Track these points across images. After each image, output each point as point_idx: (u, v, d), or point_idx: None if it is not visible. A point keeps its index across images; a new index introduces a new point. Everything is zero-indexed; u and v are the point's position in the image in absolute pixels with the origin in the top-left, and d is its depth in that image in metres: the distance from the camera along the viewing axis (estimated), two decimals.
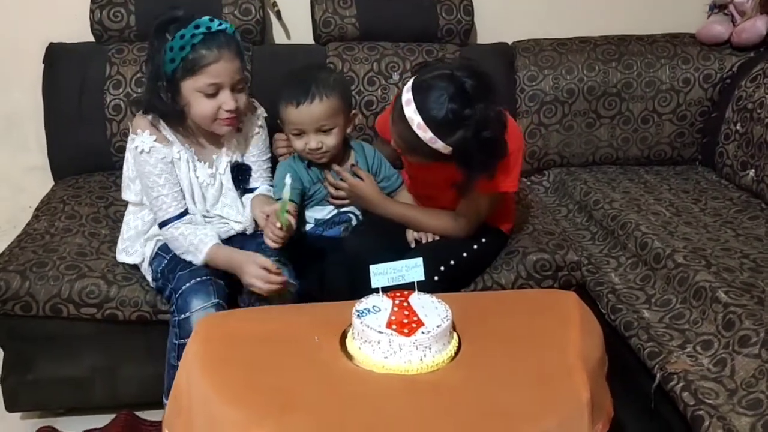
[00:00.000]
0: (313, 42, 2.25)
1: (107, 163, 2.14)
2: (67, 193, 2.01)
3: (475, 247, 1.72)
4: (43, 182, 2.19)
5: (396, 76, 2.15)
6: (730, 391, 1.32)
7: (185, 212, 1.64)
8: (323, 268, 1.69)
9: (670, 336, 1.51)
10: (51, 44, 2.14)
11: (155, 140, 1.60)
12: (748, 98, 2.14)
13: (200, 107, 1.58)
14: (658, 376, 1.42)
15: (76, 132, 2.11)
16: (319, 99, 1.62)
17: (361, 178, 1.75)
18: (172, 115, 1.60)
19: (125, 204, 1.96)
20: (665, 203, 2.02)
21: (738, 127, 2.16)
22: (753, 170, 2.08)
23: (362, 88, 2.15)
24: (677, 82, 2.26)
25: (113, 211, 1.95)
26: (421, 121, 1.45)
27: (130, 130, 1.65)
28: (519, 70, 2.25)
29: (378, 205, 1.74)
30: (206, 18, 1.55)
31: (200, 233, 1.61)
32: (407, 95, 1.48)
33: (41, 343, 1.73)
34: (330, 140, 1.67)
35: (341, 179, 1.74)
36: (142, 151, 1.60)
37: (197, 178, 1.67)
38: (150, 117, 1.62)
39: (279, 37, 2.33)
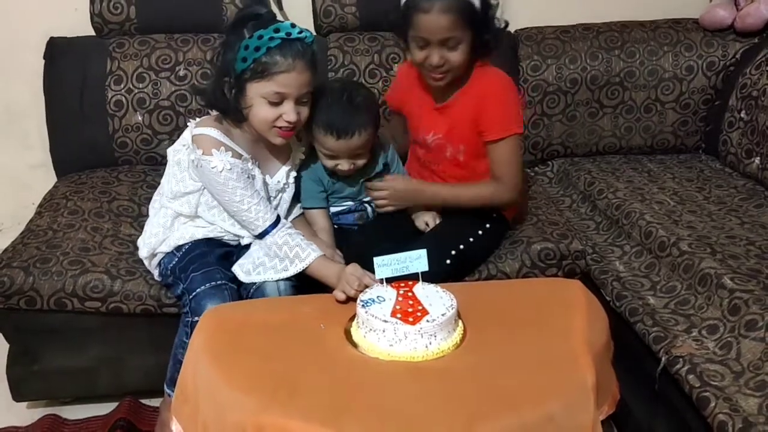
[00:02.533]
0: (314, 33, 2.24)
1: (109, 158, 2.14)
2: (69, 189, 2.02)
3: (480, 232, 1.73)
4: (46, 179, 2.19)
5: (396, 68, 2.15)
6: (736, 373, 1.32)
7: (278, 218, 1.61)
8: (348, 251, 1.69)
9: (675, 321, 1.51)
10: (51, 39, 2.13)
11: (232, 156, 1.56)
12: (752, 86, 2.13)
13: (261, 112, 1.54)
14: (663, 359, 1.41)
15: (78, 128, 2.12)
16: (359, 134, 1.61)
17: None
18: (233, 113, 1.56)
19: (129, 198, 1.98)
20: (669, 192, 2.02)
21: (743, 115, 2.15)
22: (758, 158, 2.07)
23: (364, 81, 2.14)
24: (680, 70, 2.25)
25: (116, 206, 1.95)
26: None
27: (197, 150, 1.56)
28: (522, 59, 2.24)
29: (423, 191, 1.76)
30: (288, 23, 1.50)
31: (300, 243, 1.56)
32: None
33: (46, 335, 1.74)
34: (361, 162, 1.69)
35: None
36: (222, 170, 1.54)
37: (268, 191, 1.66)
38: (214, 133, 1.56)
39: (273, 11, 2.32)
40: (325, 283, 1.51)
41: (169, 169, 1.68)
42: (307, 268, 1.54)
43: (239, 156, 1.58)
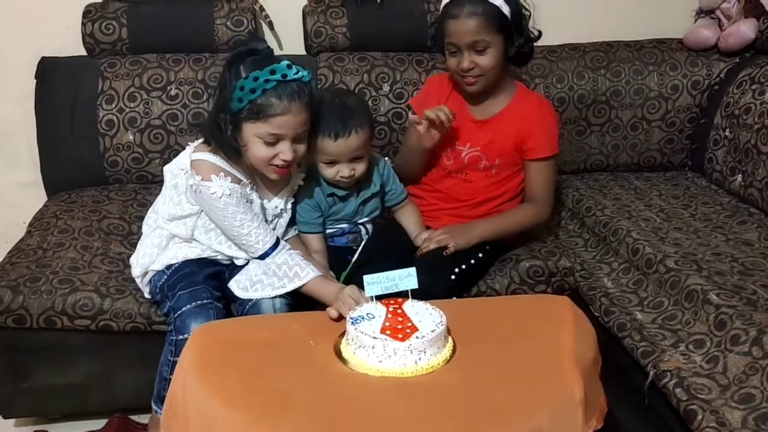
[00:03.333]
0: (304, 53, 2.28)
1: (100, 177, 2.15)
2: (59, 208, 2.02)
3: (481, 255, 1.75)
4: (36, 198, 2.19)
5: (386, 87, 2.17)
6: (722, 386, 1.33)
7: (278, 240, 1.61)
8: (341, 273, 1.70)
9: (662, 336, 1.52)
10: (43, 58, 2.15)
11: (231, 181, 1.56)
12: (735, 104, 2.17)
13: (257, 151, 1.53)
14: (651, 373, 1.43)
15: (68, 147, 2.12)
16: (356, 132, 1.62)
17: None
18: (230, 149, 1.55)
19: (119, 216, 1.98)
20: (656, 209, 2.04)
21: (727, 133, 2.19)
22: (740, 175, 2.10)
23: None
24: (665, 89, 2.29)
25: (106, 224, 1.95)
26: None
27: (195, 176, 1.56)
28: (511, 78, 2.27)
29: (472, 227, 1.76)
30: (284, 63, 1.47)
31: (299, 263, 1.56)
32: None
33: (36, 352, 1.73)
34: (361, 167, 1.69)
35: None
36: (222, 195, 1.54)
37: (265, 216, 1.66)
38: (212, 158, 1.56)
39: (271, 47, 2.33)
40: (322, 302, 1.51)
41: (166, 191, 1.68)
42: (304, 285, 1.54)
43: (238, 181, 1.58)
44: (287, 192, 1.71)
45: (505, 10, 1.66)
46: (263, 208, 1.66)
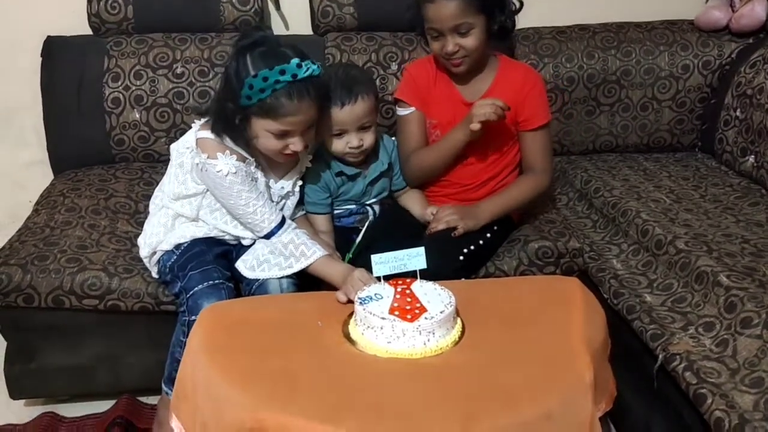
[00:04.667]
0: (311, 32, 2.25)
1: (107, 156, 2.14)
2: (66, 187, 2.01)
3: (489, 235, 1.74)
4: (43, 177, 2.19)
5: (395, 66, 2.15)
6: (732, 370, 1.33)
7: (284, 219, 1.61)
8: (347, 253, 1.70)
9: (672, 319, 1.51)
10: (49, 37, 2.13)
11: (236, 159, 1.55)
12: (747, 84, 2.14)
13: (267, 143, 1.53)
14: (660, 356, 1.42)
15: (75, 126, 2.11)
16: (361, 98, 1.63)
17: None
18: (237, 137, 1.54)
19: (126, 195, 1.98)
20: (665, 190, 2.02)
21: (738, 113, 2.16)
22: (753, 156, 2.08)
23: None
24: (676, 69, 2.26)
25: (113, 203, 1.95)
26: None
27: (201, 155, 1.56)
28: (519, 58, 2.24)
29: (478, 206, 1.75)
30: (294, 62, 1.44)
31: (305, 242, 1.56)
32: None
33: (44, 332, 1.74)
34: (369, 137, 1.69)
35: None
36: (228, 173, 1.53)
37: (270, 196, 1.65)
38: (216, 136, 1.55)
39: (277, 27, 2.32)
40: (329, 282, 1.51)
41: (171, 170, 1.67)
42: (311, 265, 1.53)
43: (243, 159, 1.57)
44: (295, 173, 1.70)
45: None
46: (268, 188, 1.65)
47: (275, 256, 1.57)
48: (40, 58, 2.11)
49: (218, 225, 1.65)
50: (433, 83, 1.79)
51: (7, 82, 2.26)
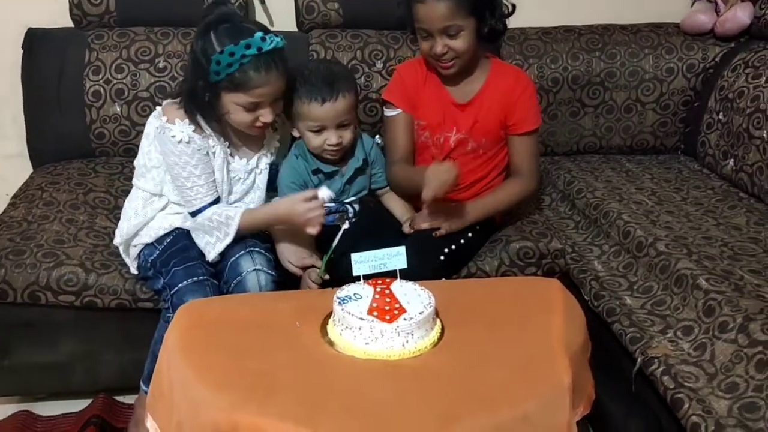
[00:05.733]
0: (296, 29, 2.23)
1: (87, 149, 2.11)
2: (45, 180, 1.99)
3: (470, 234, 1.73)
4: (21, 170, 2.16)
5: (380, 64, 2.14)
6: (709, 375, 1.33)
7: (218, 199, 1.62)
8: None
9: (651, 322, 1.52)
10: (30, 29, 2.10)
11: (193, 130, 1.56)
12: (729, 88, 2.15)
13: (238, 117, 1.55)
14: (639, 360, 1.42)
15: (55, 119, 2.09)
16: (342, 96, 1.63)
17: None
18: (209, 114, 1.56)
19: (105, 190, 1.96)
20: (647, 192, 2.03)
21: (720, 117, 2.18)
22: (732, 159, 2.09)
23: None
24: (660, 72, 2.27)
25: (92, 198, 1.92)
26: None
27: (161, 118, 1.59)
28: (504, 58, 2.24)
29: (463, 212, 1.70)
30: (258, 35, 1.47)
31: (225, 208, 1.60)
32: None
33: (19, 329, 1.71)
34: (348, 135, 1.68)
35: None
36: (180, 141, 1.55)
37: (229, 172, 1.65)
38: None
39: (261, 23, 2.29)
40: (279, 222, 1.60)
41: (141, 143, 1.68)
42: (240, 223, 1.57)
43: (201, 131, 1.58)
44: (261, 151, 1.70)
45: None
46: (227, 164, 1.64)
47: (211, 234, 1.59)
48: (21, 51, 2.08)
49: (180, 201, 1.65)
50: (422, 84, 1.77)
51: None
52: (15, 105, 2.14)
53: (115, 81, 2.06)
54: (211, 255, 1.59)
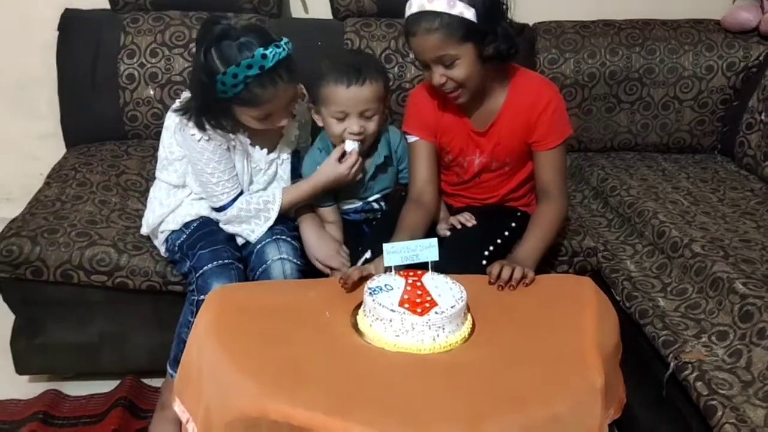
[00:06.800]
0: (331, 17, 2.22)
1: (119, 131, 2.13)
2: (78, 161, 2.01)
3: (507, 233, 1.68)
4: (55, 150, 2.18)
5: (410, 95, 2.10)
6: (744, 382, 1.30)
7: (241, 192, 1.63)
8: (358, 244, 1.67)
9: (685, 325, 1.49)
10: (66, 10, 2.11)
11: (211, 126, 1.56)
12: None
13: (251, 124, 1.56)
14: (672, 364, 1.40)
15: (89, 100, 2.10)
16: (369, 82, 1.59)
17: None
18: (223, 123, 1.55)
19: (137, 173, 1.97)
20: (683, 192, 1.99)
21: (763, 117, 2.12)
22: None
23: None
24: (700, 69, 2.22)
25: (124, 180, 1.94)
26: None
27: (180, 116, 1.58)
28: (540, 52, 2.21)
29: (526, 259, 1.53)
30: (259, 52, 1.43)
31: (259, 196, 1.63)
32: (408, 13, 1.52)
33: (51, 308, 1.73)
34: (371, 126, 1.64)
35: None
36: (200, 139, 1.55)
37: (250, 163, 1.65)
38: None
39: (296, 10, 2.30)
40: (324, 188, 1.65)
41: (162, 136, 1.68)
42: (282, 203, 1.61)
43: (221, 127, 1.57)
44: (283, 140, 1.70)
45: (470, 14, 1.47)
46: (249, 156, 1.64)
47: (248, 223, 1.61)
48: (57, 32, 2.09)
49: (202, 193, 1.65)
50: (440, 110, 1.68)
51: (23, 54, 2.25)
52: (50, 85, 2.16)
53: (149, 65, 2.07)
54: (252, 238, 1.61)
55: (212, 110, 1.52)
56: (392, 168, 1.77)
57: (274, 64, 1.45)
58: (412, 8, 1.50)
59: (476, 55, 1.52)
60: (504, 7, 1.55)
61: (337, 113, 1.61)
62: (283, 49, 1.47)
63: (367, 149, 1.70)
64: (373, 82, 1.59)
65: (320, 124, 1.69)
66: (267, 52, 1.44)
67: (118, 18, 2.10)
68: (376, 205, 1.78)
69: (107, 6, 2.13)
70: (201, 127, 1.55)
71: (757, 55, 2.22)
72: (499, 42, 1.52)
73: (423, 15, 1.48)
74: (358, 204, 1.77)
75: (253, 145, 1.65)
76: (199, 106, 1.53)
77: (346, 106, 1.60)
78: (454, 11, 1.46)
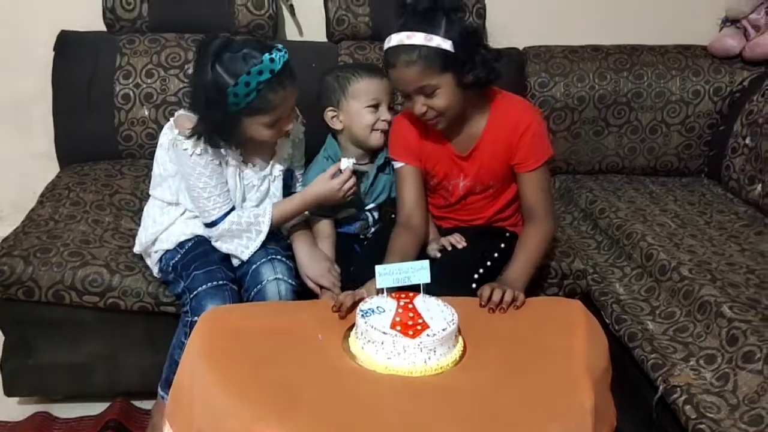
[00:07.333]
0: (325, 39, 2.25)
1: (114, 151, 2.13)
2: (72, 180, 2.01)
3: (496, 254, 1.70)
4: (49, 169, 2.18)
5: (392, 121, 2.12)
6: (732, 406, 1.32)
7: (233, 208, 1.64)
8: (348, 263, 1.70)
9: (673, 348, 1.51)
10: (63, 31, 2.13)
11: (205, 142, 1.57)
12: (758, 113, 2.14)
13: (261, 134, 1.58)
14: (660, 388, 1.41)
15: (83, 120, 2.11)
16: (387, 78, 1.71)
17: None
18: (230, 139, 1.58)
19: (131, 192, 1.98)
20: (671, 214, 2.02)
21: (747, 141, 2.16)
22: (761, 185, 2.08)
23: None
24: (687, 94, 2.26)
25: (118, 199, 1.94)
26: (407, 33, 1.51)
27: (174, 130, 1.61)
28: (530, 75, 2.25)
29: (515, 281, 1.53)
30: (266, 58, 1.47)
31: (249, 211, 1.64)
32: (387, 46, 1.56)
33: (42, 328, 1.73)
34: (391, 117, 1.77)
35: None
36: (192, 154, 1.57)
37: (242, 180, 1.67)
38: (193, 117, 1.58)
39: (291, 33, 2.32)
40: (314, 204, 1.67)
41: (156, 153, 1.70)
42: (272, 217, 1.62)
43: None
44: (276, 157, 1.72)
45: (447, 45, 1.50)
46: (240, 173, 1.66)
47: (240, 238, 1.62)
48: (53, 52, 2.11)
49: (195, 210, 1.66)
50: (423, 137, 1.71)
51: (19, 73, 2.26)
52: (45, 105, 2.16)
53: (144, 85, 2.08)
54: (245, 255, 1.62)
55: (222, 126, 1.54)
56: (389, 176, 1.82)
57: (282, 67, 1.49)
58: (391, 42, 1.54)
59: (456, 84, 1.56)
60: (480, 35, 1.60)
61: (372, 101, 1.74)
62: (284, 53, 1.52)
63: (369, 155, 1.79)
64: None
65: (337, 127, 1.77)
66: (273, 56, 1.48)
67: (115, 39, 2.12)
68: (370, 216, 1.81)
69: (103, 28, 2.15)
70: (216, 146, 1.57)
71: (741, 80, 2.26)
72: (477, 69, 1.55)
73: (402, 48, 1.52)
74: (354, 211, 1.80)
75: (245, 162, 1.66)
76: (209, 125, 1.54)
77: (382, 94, 1.74)
78: (432, 44, 1.50)
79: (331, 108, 1.78)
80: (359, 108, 1.74)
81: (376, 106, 1.74)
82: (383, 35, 2.13)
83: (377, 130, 1.76)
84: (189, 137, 1.56)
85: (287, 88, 1.52)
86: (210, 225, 1.62)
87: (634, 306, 1.69)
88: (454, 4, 1.56)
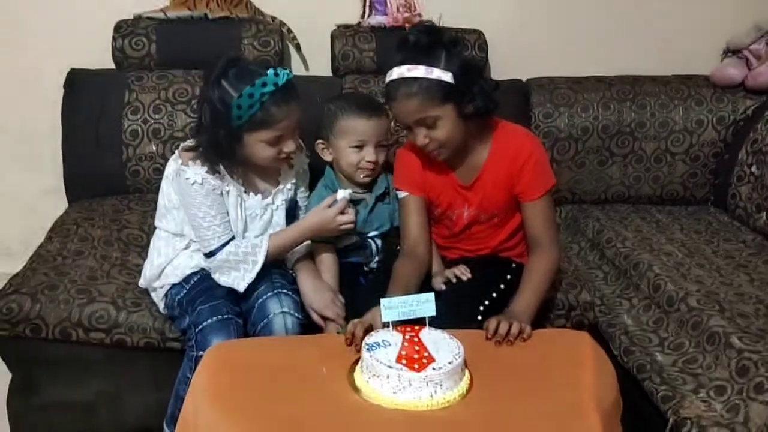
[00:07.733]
0: (330, 74, 2.28)
1: (121, 186, 2.16)
2: (80, 216, 2.03)
3: (502, 286, 1.69)
4: (57, 204, 2.20)
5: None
6: None
7: (233, 238, 1.64)
8: (353, 294, 1.69)
9: (683, 380, 1.49)
10: (72, 69, 2.17)
11: (206, 171, 1.60)
12: (762, 141, 2.14)
13: (263, 153, 1.59)
14: (671, 420, 1.40)
15: (92, 155, 2.14)
16: (384, 116, 1.75)
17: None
18: (231, 160, 1.60)
19: (138, 227, 1.99)
20: (677, 243, 2.01)
21: (753, 170, 2.16)
22: (766, 212, 2.07)
23: None
24: (690, 123, 2.27)
25: (125, 234, 1.96)
26: (408, 66, 1.53)
27: (177, 161, 1.63)
28: (534, 106, 2.27)
29: (521, 314, 1.52)
30: (270, 72, 1.52)
31: (247, 241, 1.64)
32: (388, 79, 1.57)
33: (49, 366, 1.73)
34: (382, 157, 1.77)
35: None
36: (194, 183, 1.59)
37: (245, 209, 1.68)
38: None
39: (297, 68, 2.36)
40: (310, 235, 1.66)
41: (161, 185, 1.72)
42: (268, 247, 1.62)
43: (215, 172, 1.61)
44: (279, 187, 1.73)
45: (447, 77, 1.52)
46: (242, 202, 1.67)
47: (236, 270, 1.62)
48: (63, 90, 2.14)
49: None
50: (426, 167, 1.72)
51: (29, 110, 2.30)
52: (54, 141, 2.20)
53: (152, 121, 2.11)
54: (242, 286, 1.61)
55: (223, 146, 1.56)
56: (390, 206, 1.82)
57: (285, 82, 1.53)
58: (392, 75, 1.56)
59: (457, 114, 1.57)
60: (479, 67, 1.62)
61: (356, 142, 1.72)
62: (289, 72, 1.56)
63: (373, 180, 1.80)
64: (384, 117, 1.75)
65: (327, 158, 1.79)
66: (277, 71, 1.53)
67: (123, 76, 2.15)
68: (373, 245, 1.81)
69: (112, 66, 2.19)
70: (215, 166, 1.59)
71: (744, 109, 2.27)
72: (477, 100, 1.58)
73: (403, 81, 1.54)
74: (356, 238, 1.80)
75: (247, 192, 1.68)
76: (211, 142, 1.56)
77: (367, 135, 1.72)
78: (433, 76, 1.52)
79: (320, 141, 1.80)
80: (344, 146, 1.74)
81: (360, 147, 1.73)
82: (387, 69, 2.21)
83: (362, 168, 1.75)
84: (191, 159, 1.59)
85: (290, 103, 1.55)
86: (209, 255, 1.63)
87: (642, 337, 1.67)
88: (454, 38, 1.59)
